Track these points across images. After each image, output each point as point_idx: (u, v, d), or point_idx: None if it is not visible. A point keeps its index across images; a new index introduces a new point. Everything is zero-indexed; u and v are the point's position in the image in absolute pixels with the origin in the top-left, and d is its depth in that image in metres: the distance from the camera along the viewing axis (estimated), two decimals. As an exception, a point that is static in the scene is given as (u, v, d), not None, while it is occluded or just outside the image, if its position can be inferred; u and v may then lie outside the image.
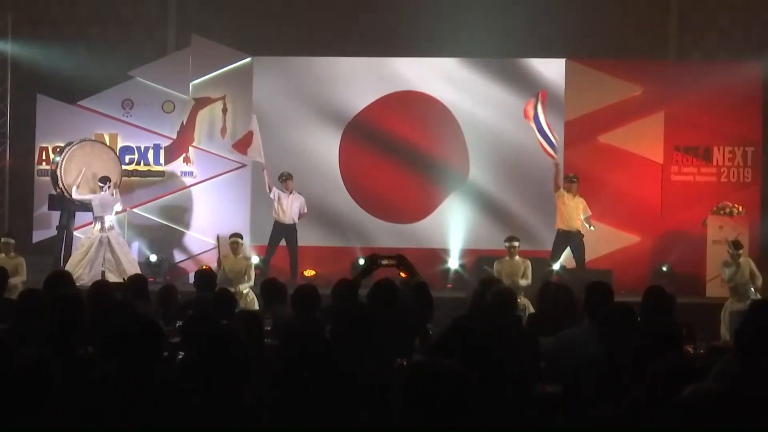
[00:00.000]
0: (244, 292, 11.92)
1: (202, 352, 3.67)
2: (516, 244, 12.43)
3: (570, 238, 13.44)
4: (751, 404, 3.06)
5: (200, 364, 3.65)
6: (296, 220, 14.04)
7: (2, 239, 12.21)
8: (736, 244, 12.03)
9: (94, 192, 13.76)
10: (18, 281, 11.41)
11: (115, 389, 3.81)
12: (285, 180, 14.03)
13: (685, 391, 3.03)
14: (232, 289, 11.27)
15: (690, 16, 15.71)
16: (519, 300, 10.29)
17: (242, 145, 14.27)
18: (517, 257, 12.39)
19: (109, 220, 13.57)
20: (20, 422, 3.23)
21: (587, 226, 13.35)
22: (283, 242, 14.08)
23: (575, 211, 13.32)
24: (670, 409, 2.97)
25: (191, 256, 15.26)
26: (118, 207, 13.80)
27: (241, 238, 12.67)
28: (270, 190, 13.98)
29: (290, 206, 13.97)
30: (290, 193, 14.02)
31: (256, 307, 11.57)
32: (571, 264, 13.63)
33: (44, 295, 5.56)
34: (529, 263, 12.45)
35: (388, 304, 6.01)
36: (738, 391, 3.03)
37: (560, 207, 13.41)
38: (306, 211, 14.14)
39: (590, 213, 13.43)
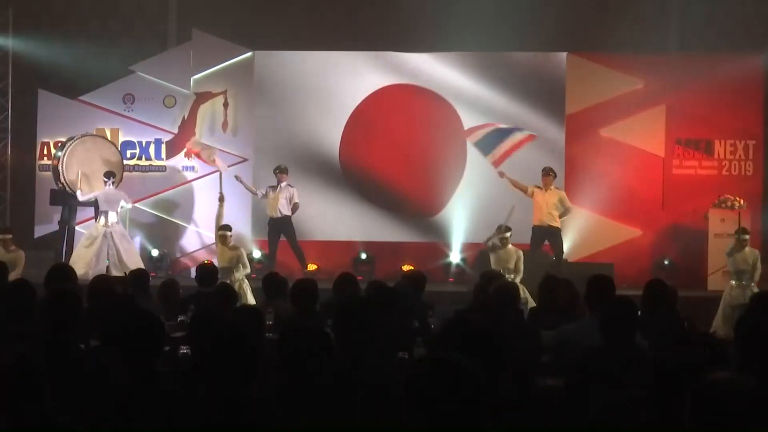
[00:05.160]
0: (240, 278, 11.91)
1: (212, 347, 3.66)
2: (507, 234, 12.47)
3: (545, 234, 13.45)
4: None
5: (210, 359, 3.65)
6: (285, 212, 13.94)
7: None
8: (744, 230, 12.13)
9: (96, 188, 13.78)
10: (15, 276, 11.39)
11: (114, 384, 3.80)
12: (278, 173, 14.01)
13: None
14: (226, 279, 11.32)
15: (691, 9, 15.67)
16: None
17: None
18: (509, 246, 12.43)
19: (114, 215, 13.58)
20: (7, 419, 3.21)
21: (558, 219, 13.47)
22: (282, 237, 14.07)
23: (545, 206, 13.36)
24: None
25: (193, 251, 15.26)
26: (124, 203, 13.81)
27: (229, 230, 12.55)
28: (256, 194, 14.08)
29: (276, 199, 13.91)
30: (278, 185, 13.99)
31: (249, 295, 11.62)
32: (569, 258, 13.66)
33: (34, 289, 5.49)
34: (521, 254, 12.48)
35: (387, 303, 6.04)
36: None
37: (534, 202, 13.53)
38: (297, 201, 14.03)
39: (569, 206, 13.46)
